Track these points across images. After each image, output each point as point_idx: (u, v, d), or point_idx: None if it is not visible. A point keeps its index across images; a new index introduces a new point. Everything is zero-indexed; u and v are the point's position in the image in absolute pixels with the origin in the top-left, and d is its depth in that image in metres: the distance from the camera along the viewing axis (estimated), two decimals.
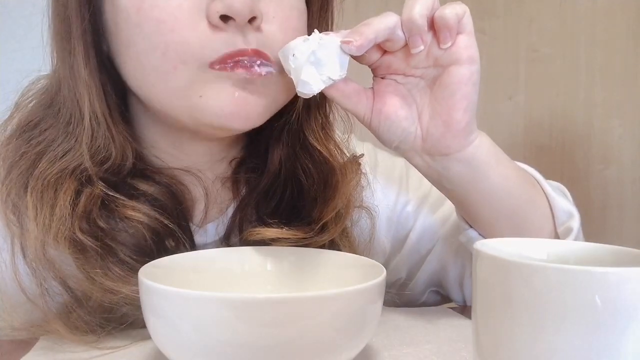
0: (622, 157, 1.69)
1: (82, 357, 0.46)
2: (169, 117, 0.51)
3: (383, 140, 0.51)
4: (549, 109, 1.68)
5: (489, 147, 0.51)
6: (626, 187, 1.68)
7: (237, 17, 0.45)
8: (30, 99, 0.55)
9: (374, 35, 0.45)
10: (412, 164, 0.52)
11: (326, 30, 0.55)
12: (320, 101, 0.57)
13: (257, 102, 0.49)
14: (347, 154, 0.59)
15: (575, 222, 0.57)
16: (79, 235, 0.48)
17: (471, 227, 0.58)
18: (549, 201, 0.57)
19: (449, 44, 0.46)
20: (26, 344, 0.49)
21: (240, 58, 0.46)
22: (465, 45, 0.47)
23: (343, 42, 0.45)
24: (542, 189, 0.58)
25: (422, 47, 0.46)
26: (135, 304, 0.47)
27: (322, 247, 0.54)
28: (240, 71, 0.46)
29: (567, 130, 1.68)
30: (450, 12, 0.45)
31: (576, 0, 1.66)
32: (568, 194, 0.62)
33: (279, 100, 0.52)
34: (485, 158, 0.51)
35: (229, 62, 0.46)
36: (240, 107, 0.48)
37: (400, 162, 0.71)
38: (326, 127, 0.58)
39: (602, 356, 0.30)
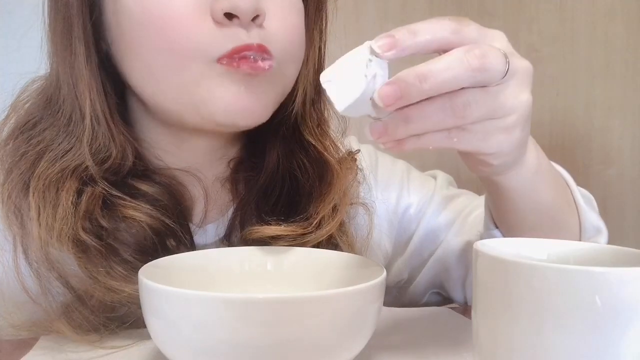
0: (622, 157, 1.69)
1: (83, 357, 0.46)
2: (172, 115, 0.51)
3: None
4: (549, 109, 1.68)
5: (528, 172, 0.46)
6: (626, 187, 1.68)
7: (241, 15, 0.46)
8: (26, 99, 0.55)
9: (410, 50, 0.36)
10: None
11: (322, 29, 0.57)
12: (316, 97, 0.58)
13: (261, 97, 0.49)
14: (343, 150, 0.60)
15: (603, 239, 0.54)
16: (82, 234, 0.48)
17: (497, 227, 0.56)
18: (578, 211, 0.54)
19: None
20: (26, 344, 0.49)
21: (247, 53, 0.47)
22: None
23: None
24: (574, 198, 0.54)
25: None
26: (137, 303, 0.47)
27: (320, 243, 0.54)
28: (245, 67, 0.47)
29: (567, 130, 1.68)
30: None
31: (576, 0, 1.66)
32: (595, 203, 0.59)
33: (280, 93, 0.53)
34: (529, 177, 0.46)
35: (235, 57, 0.47)
36: (247, 102, 0.48)
37: (401, 164, 0.71)
38: (322, 124, 0.59)
39: (602, 356, 0.30)
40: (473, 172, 0.45)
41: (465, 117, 0.36)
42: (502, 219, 0.54)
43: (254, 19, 0.47)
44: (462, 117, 0.36)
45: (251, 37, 0.47)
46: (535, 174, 0.46)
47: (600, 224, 0.55)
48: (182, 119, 0.51)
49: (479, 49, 0.35)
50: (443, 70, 0.34)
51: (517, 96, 0.38)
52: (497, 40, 0.38)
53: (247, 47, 0.47)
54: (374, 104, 0.36)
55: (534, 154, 0.46)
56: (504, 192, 0.48)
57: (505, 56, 0.36)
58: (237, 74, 0.48)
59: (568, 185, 0.55)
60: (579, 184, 0.57)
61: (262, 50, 0.48)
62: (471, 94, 0.36)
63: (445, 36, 0.36)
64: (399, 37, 0.35)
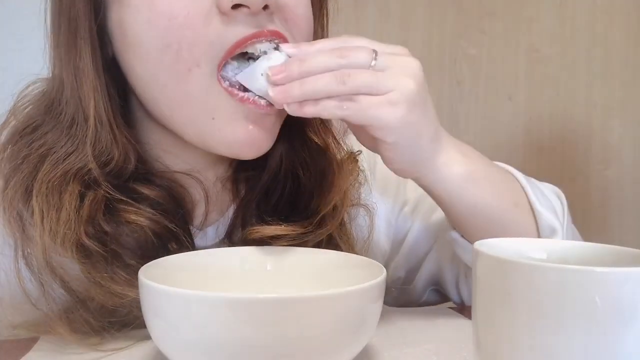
0: (622, 157, 1.69)
1: (83, 357, 0.46)
2: (172, 124, 0.51)
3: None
4: (549, 109, 1.68)
5: (455, 177, 0.51)
6: (626, 187, 1.68)
7: (251, 5, 0.45)
8: (26, 103, 0.54)
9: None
10: None
11: (323, 25, 0.57)
12: None
13: (268, 134, 0.50)
14: (345, 149, 0.59)
15: (558, 238, 0.55)
16: (85, 239, 0.48)
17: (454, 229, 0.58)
18: (534, 214, 0.55)
19: None
20: (26, 344, 0.49)
21: (257, 39, 0.47)
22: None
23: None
24: (528, 200, 0.55)
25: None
26: (140, 307, 0.47)
27: (320, 243, 0.54)
28: (250, 106, 0.47)
29: (567, 130, 1.68)
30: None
31: (576, 0, 1.66)
32: (563, 197, 0.60)
33: (284, 116, 0.52)
34: (452, 187, 0.51)
35: (237, 50, 0.46)
36: (253, 140, 0.49)
37: None
38: (325, 120, 0.58)
39: (602, 356, 0.30)
40: (388, 166, 0.51)
41: (347, 82, 0.44)
42: (450, 221, 0.57)
43: (264, 8, 0.46)
44: (344, 83, 0.44)
45: (262, 26, 0.47)
46: (463, 180, 0.51)
47: (555, 223, 0.55)
48: (179, 132, 0.51)
49: (349, 46, 0.46)
50: (314, 53, 0.45)
51: (396, 79, 0.45)
52: (398, 49, 0.47)
53: (256, 35, 0.46)
54: (268, 83, 0.45)
55: (456, 163, 0.51)
56: (436, 198, 0.54)
57: (374, 53, 0.45)
58: (243, 109, 0.48)
59: (521, 185, 0.56)
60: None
61: (276, 35, 0.47)
62: (354, 68, 0.44)
63: (336, 45, 0.46)
64: (303, 44, 0.47)
